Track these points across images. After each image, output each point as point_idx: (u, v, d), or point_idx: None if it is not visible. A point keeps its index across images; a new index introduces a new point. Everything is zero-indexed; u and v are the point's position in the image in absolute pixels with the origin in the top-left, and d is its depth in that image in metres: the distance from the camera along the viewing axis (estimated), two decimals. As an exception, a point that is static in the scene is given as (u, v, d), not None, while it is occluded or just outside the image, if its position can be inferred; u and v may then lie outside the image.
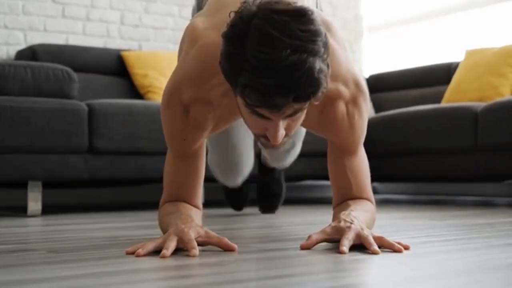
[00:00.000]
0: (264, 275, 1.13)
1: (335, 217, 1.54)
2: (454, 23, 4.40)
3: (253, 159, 2.40)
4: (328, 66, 1.27)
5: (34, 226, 2.25)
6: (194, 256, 1.31)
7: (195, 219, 1.48)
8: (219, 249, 1.41)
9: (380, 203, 3.48)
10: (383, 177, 3.72)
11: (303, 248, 1.42)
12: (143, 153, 2.97)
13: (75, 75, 2.89)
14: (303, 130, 2.37)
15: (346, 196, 1.62)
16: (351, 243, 1.38)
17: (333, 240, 1.43)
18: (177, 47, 3.93)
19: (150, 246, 1.36)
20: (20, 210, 2.89)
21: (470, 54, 3.72)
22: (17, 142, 2.67)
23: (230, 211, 2.87)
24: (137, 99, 3.45)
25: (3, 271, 1.18)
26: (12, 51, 3.65)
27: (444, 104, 3.57)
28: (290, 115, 1.30)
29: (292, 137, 1.44)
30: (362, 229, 1.41)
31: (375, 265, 1.24)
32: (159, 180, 1.83)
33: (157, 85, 3.57)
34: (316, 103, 1.33)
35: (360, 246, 1.39)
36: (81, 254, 1.40)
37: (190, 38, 1.53)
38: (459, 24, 4.37)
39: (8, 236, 1.88)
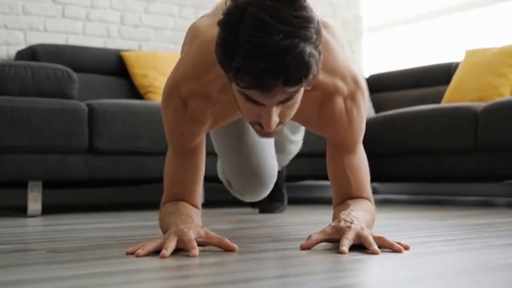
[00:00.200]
0: (264, 275, 1.13)
1: (335, 217, 1.54)
2: (454, 23, 4.40)
3: (276, 167, 2.12)
4: (320, 53, 1.29)
5: (34, 226, 2.25)
6: (194, 256, 1.31)
7: (195, 219, 1.48)
8: (219, 249, 1.41)
9: (380, 203, 3.48)
10: (383, 177, 3.72)
11: (303, 248, 1.42)
12: (143, 153, 2.97)
13: (75, 75, 2.89)
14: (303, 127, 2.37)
15: (346, 195, 1.62)
16: (351, 243, 1.38)
17: (333, 240, 1.43)
18: (177, 47, 3.95)
19: (150, 246, 1.36)
20: (20, 210, 2.89)
21: (470, 54, 3.72)
22: (17, 142, 2.67)
23: (230, 211, 2.87)
24: (137, 99, 3.45)
25: (3, 271, 1.18)
26: (12, 51, 3.65)
27: (444, 104, 3.57)
28: (283, 101, 1.31)
29: (285, 124, 1.44)
30: (362, 229, 1.42)
31: (375, 265, 1.24)
32: (159, 180, 1.83)
33: (157, 85, 3.57)
34: (308, 88, 1.35)
35: (360, 246, 1.39)
36: (81, 254, 1.40)
37: (191, 36, 1.56)
38: (459, 24, 4.37)
39: (8, 236, 1.88)
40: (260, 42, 1.22)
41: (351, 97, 1.55)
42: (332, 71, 1.50)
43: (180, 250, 1.37)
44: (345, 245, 1.36)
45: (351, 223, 1.43)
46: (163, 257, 1.30)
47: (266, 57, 1.22)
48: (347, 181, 1.61)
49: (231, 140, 2.02)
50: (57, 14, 3.81)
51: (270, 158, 2.08)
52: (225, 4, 1.31)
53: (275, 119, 1.33)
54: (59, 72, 2.83)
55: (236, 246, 1.40)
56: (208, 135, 1.77)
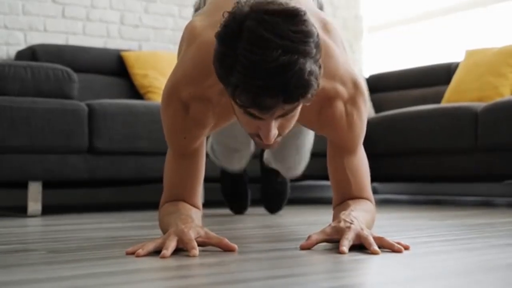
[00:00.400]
0: (264, 275, 1.13)
1: (335, 217, 1.54)
2: (454, 23, 4.40)
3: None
4: (320, 67, 1.28)
5: (34, 226, 2.25)
6: (194, 256, 1.31)
7: (195, 219, 1.48)
8: (219, 249, 1.41)
9: (380, 203, 3.49)
10: (383, 177, 3.72)
11: (303, 248, 1.42)
12: (143, 153, 2.97)
13: (75, 75, 2.89)
14: (310, 134, 2.35)
15: (346, 196, 1.62)
16: (351, 243, 1.38)
17: (333, 240, 1.43)
18: (177, 47, 3.93)
19: (150, 246, 1.36)
20: (20, 210, 2.89)
21: (470, 54, 3.72)
22: (17, 142, 2.67)
23: (230, 211, 2.87)
24: (137, 99, 3.45)
25: (3, 271, 1.18)
26: (12, 51, 3.65)
27: (444, 104, 3.57)
28: (282, 115, 1.31)
29: (290, 137, 1.45)
30: (362, 229, 1.42)
31: (375, 265, 1.24)
32: (159, 180, 1.83)
33: (157, 85, 3.57)
34: (307, 104, 1.33)
35: (360, 246, 1.39)
36: (81, 254, 1.40)
37: (188, 37, 1.54)
38: (459, 24, 4.37)
39: (8, 236, 1.88)
40: (258, 59, 1.20)
41: (352, 101, 1.54)
42: (332, 75, 1.49)
43: (180, 250, 1.37)
44: (345, 245, 1.36)
45: (351, 223, 1.43)
46: (164, 257, 1.30)
47: (264, 74, 1.20)
48: (347, 181, 1.61)
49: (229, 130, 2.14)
50: (57, 14, 3.81)
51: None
52: (223, 16, 1.29)
53: (274, 132, 1.32)
54: (59, 72, 2.83)
55: (236, 246, 1.40)
56: None
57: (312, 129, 1.65)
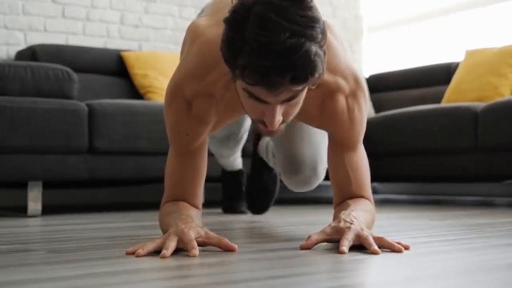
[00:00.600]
0: (264, 275, 1.13)
1: (335, 217, 1.54)
2: (454, 23, 4.40)
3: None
4: (324, 53, 1.30)
5: (34, 226, 2.25)
6: (194, 256, 1.31)
7: (195, 220, 1.48)
8: (219, 249, 1.41)
9: (380, 203, 3.48)
10: (383, 177, 3.72)
11: (303, 248, 1.42)
12: (143, 153, 2.97)
13: (75, 75, 2.89)
14: (326, 140, 2.08)
15: (346, 193, 1.62)
16: (350, 243, 1.38)
17: (333, 240, 1.43)
18: (177, 47, 3.94)
19: (150, 246, 1.36)
20: (20, 210, 2.89)
21: (470, 54, 3.72)
22: (17, 142, 2.67)
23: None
24: (137, 99, 3.45)
25: (3, 271, 1.18)
26: (12, 51, 3.65)
27: (444, 104, 3.57)
28: (287, 100, 1.32)
29: (288, 122, 1.43)
30: (362, 229, 1.42)
31: (375, 265, 1.24)
32: (159, 180, 1.83)
33: (157, 85, 3.57)
34: (313, 87, 1.35)
35: (360, 246, 1.39)
36: (81, 254, 1.40)
37: (191, 36, 1.55)
38: (459, 24, 4.37)
39: (8, 236, 1.88)
40: (266, 41, 1.22)
41: (353, 95, 1.56)
42: (334, 70, 1.51)
43: (180, 250, 1.37)
44: (345, 245, 1.36)
45: (351, 223, 1.43)
46: (164, 257, 1.30)
47: (273, 55, 1.23)
48: (348, 178, 1.61)
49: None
50: (57, 14, 3.81)
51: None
52: (231, 2, 1.31)
53: (279, 117, 1.34)
54: (59, 72, 2.83)
55: (236, 246, 1.40)
56: None
57: (313, 125, 1.65)
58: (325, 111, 1.56)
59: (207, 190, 3.37)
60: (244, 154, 2.73)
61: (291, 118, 1.40)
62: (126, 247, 1.41)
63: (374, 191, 4.14)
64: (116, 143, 2.89)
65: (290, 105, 1.35)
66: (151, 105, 3.08)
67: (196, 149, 1.59)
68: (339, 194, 1.64)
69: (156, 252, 1.35)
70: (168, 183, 1.63)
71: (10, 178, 2.70)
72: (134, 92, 3.64)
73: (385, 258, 1.31)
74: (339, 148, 1.61)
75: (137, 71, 3.65)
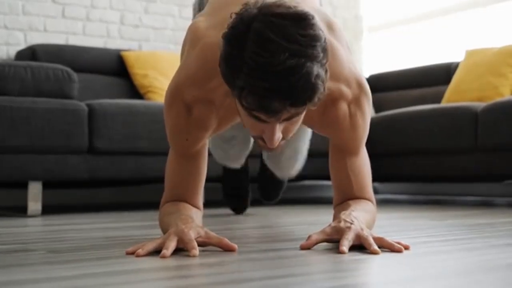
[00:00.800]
0: (264, 275, 1.13)
1: (336, 217, 1.54)
2: (454, 23, 4.40)
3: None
4: (326, 71, 1.27)
5: (34, 226, 2.25)
6: (194, 256, 1.31)
7: (196, 220, 1.48)
8: (219, 249, 1.41)
9: (380, 203, 3.48)
10: (383, 177, 3.72)
11: (303, 248, 1.42)
12: (143, 153, 2.97)
13: (75, 75, 2.89)
14: (307, 138, 2.33)
15: (347, 196, 1.62)
16: (350, 243, 1.38)
17: (333, 240, 1.43)
18: (177, 47, 3.94)
19: (150, 246, 1.36)
20: (20, 210, 2.89)
21: (470, 54, 3.72)
22: (17, 142, 2.67)
23: (230, 211, 2.87)
24: (137, 99, 3.45)
25: (3, 271, 1.18)
26: (12, 51, 3.65)
27: (444, 104, 3.57)
28: (287, 119, 1.30)
29: (289, 140, 1.44)
30: (362, 229, 1.41)
31: (375, 265, 1.24)
32: (159, 180, 1.83)
33: (157, 85, 3.57)
34: (314, 108, 1.33)
35: (360, 246, 1.39)
36: (81, 254, 1.40)
37: (192, 38, 1.54)
38: (459, 24, 4.37)
39: (8, 236, 1.88)
40: (265, 62, 1.20)
41: (355, 102, 1.54)
42: (337, 76, 1.48)
43: (180, 250, 1.37)
44: (345, 245, 1.35)
45: (351, 223, 1.42)
46: (164, 257, 1.30)
47: (271, 77, 1.20)
48: (349, 182, 1.60)
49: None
50: (57, 14, 3.81)
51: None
52: (230, 16, 1.29)
53: (278, 135, 1.32)
54: (59, 72, 2.83)
55: (236, 246, 1.40)
56: None
57: (313, 128, 1.65)
58: (326, 117, 1.55)
59: (207, 190, 3.37)
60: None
61: (291, 135, 1.39)
62: (126, 247, 1.41)
63: (374, 191, 4.14)
64: (116, 143, 2.89)
65: (290, 123, 1.33)
66: (151, 105, 3.08)
67: (197, 152, 1.58)
68: (340, 195, 1.63)
69: (156, 252, 1.35)
70: (168, 184, 1.63)
71: (10, 178, 2.70)
72: (134, 92, 3.64)
73: (385, 258, 1.31)
74: (340, 151, 1.61)
75: (137, 71, 3.65)
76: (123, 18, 4.02)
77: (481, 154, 3.11)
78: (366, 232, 1.41)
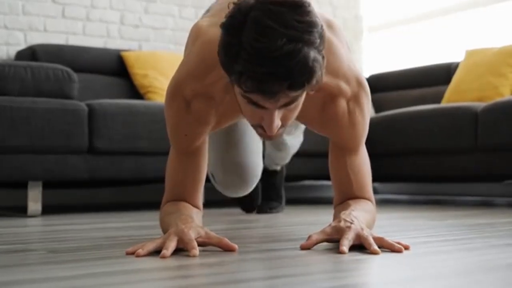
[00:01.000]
0: (264, 275, 1.13)
1: (336, 217, 1.54)
2: (454, 23, 4.40)
3: (261, 166, 2.17)
4: (323, 57, 1.29)
5: (34, 226, 2.25)
6: (194, 256, 1.31)
7: (196, 220, 1.48)
8: (219, 249, 1.41)
9: (380, 203, 3.48)
10: (383, 177, 3.72)
11: (303, 248, 1.42)
12: (143, 153, 2.97)
13: (75, 75, 2.89)
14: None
15: (347, 195, 1.62)
16: (351, 243, 1.38)
17: (333, 240, 1.43)
18: (177, 47, 3.95)
19: (150, 246, 1.36)
20: (20, 210, 2.89)
21: (470, 54, 3.72)
22: (17, 142, 2.67)
23: (230, 211, 2.88)
24: (137, 99, 3.45)
25: (3, 271, 1.18)
26: (12, 51, 3.65)
27: (444, 104, 3.57)
28: (286, 105, 1.31)
29: (287, 128, 1.45)
30: (362, 229, 1.42)
31: (375, 265, 1.24)
32: (159, 180, 1.83)
33: (157, 85, 3.57)
34: (311, 92, 1.35)
35: (360, 246, 1.39)
36: (81, 254, 1.40)
37: (193, 36, 1.55)
38: (459, 24, 4.37)
39: (8, 236, 1.88)
40: (263, 46, 1.22)
41: (354, 99, 1.55)
42: (336, 72, 1.50)
43: (180, 250, 1.37)
44: (345, 245, 1.36)
45: (351, 223, 1.43)
46: (164, 257, 1.30)
47: (269, 61, 1.22)
48: (349, 181, 1.61)
49: (220, 136, 2.06)
50: (57, 14, 3.81)
51: (256, 157, 2.13)
52: (228, 7, 1.31)
53: (277, 122, 1.33)
54: (59, 72, 2.83)
55: (236, 246, 1.40)
56: None
57: (313, 128, 1.65)
58: (325, 114, 1.55)
59: (207, 190, 3.37)
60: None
61: (290, 122, 1.40)
62: (126, 247, 1.41)
63: (374, 191, 4.14)
64: (116, 143, 2.89)
65: (289, 109, 1.34)
66: (151, 105, 3.08)
67: (196, 149, 1.59)
68: (340, 195, 1.64)
69: (156, 252, 1.35)
70: (168, 183, 1.63)
71: (10, 178, 2.70)
72: (134, 92, 3.64)
73: (385, 258, 1.31)
74: (340, 150, 1.61)
75: (137, 71, 3.65)
76: (123, 18, 4.02)
77: (481, 154, 3.11)
78: (366, 232, 1.41)
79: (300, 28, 1.23)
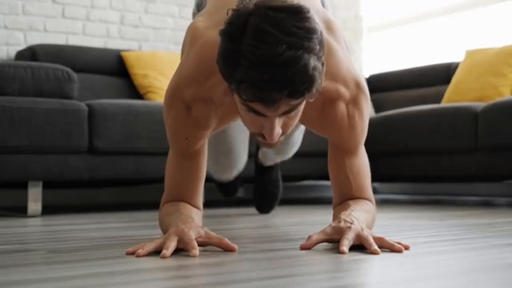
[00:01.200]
0: (264, 275, 1.13)
1: (335, 217, 1.54)
2: (454, 23, 4.40)
3: (247, 152, 2.38)
4: (323, 64, 1.29)
5: (34, 226, 2.25)
6: (194, 256, 1.31)
7: (196, 220, 1.48)
8: (219, 249, 1.41)
9: (380, 203, 3.48)
10: (383, 177, 3.72)
11: (303, 248, 1.42)
12: (143, 153, 2.97)
13: (75, 75, 2.89)
14: (297, 146, 2.38)
15: (346, 196, 1.62)
16: (351, 243, 1.38)
17: (333, 240, 1.43)
18: (177, 47, 3.94)
19: (151, 246, 1.36)
20: (20, 210, 2.89)
21: (470, 54, 3.72)
22: (17, 142, 2.67)
23: (230, 211, 2.87)
24: (137, 99, 3.45)
25: (3, 271, 1.18)
26: (12, 51, 3.65)
27: (444, 104, 3.57)
28: (286, 113, 1.31)
29: (288, 136, 1.45)
30: (362, 229, 1.42)
31: (375, 265, 1.24)
32: (159, 180, 1.83)
33: (157, 85, 3.57)
34: (311, 100, 1.34)
35: (360, 246, 1.39)
36: (81, 254, 1.40)
37: (191, 38, 1.54)
38: (459, 24, 4.37)
39: (8, 236, 1.88)
40: (263, 53, 1.21)
41: (353, 102, 1.54)
42: (335, 76, 1.49)
43: (181, 250, 1.37)
44: (345, 245, 1.36)
45: (351, 223, 1.43)
46: (164, 257, 1.30)
47: (270, 68, 1.21)
48: (348, 182, 1.61)
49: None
50: (57, 14, 3.81)
51: (243, 149, 2.33)
52: (227, 13, 1.30)
53: (278, 130, 1.32)
54: (59, 72, 2.83)
55: (236, 246, 1.40)
56: None
57: (313, 129, 1.65)
58: (325, 117, 1.55)
59: (207, 190, 3.37)
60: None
61: (290, 129, 1.39)
62: (126, 247, 1.41)
63: (374, 191, 4.14)
64: (116, 143, 2.89)
65: (289, 117, 1.34)
66: (151, 105, 3.08)
67: (196, 152, 1.59)
68: (339, 196, 1.64)
69: (156, 252, 1.35)
70: (168, 184, 1.63)
71: (10, 178, 2.70)
72: (134, 92, 3.64)
73: (385, 258, 1.31)
74: (339, 151, 1.61)
75: (137, 71, 3.65)
76: (123, 18, 4.02)
77: (481, 154, 3.11)
78: (366, 232, 1.41)
79: (299, 35, 1.23)
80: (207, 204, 2.96)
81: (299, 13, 1.25)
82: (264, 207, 2.73)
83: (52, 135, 2.74)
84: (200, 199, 1.63)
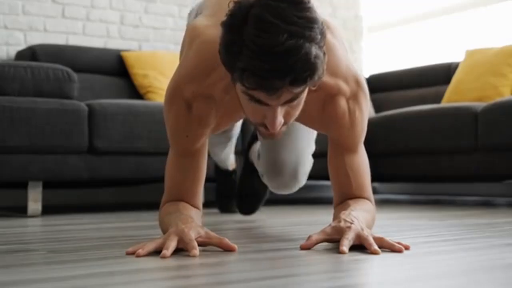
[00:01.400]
0: (264, 275, 1.13)
1: (335, 217, 1.54)
2: (454, 23, 4.40)
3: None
4: (324, 53, 1.30)
5: (34, 226, 2.25)
6: (194, 256, 1.31)
7: (196, 220, 1.48)
8: (219, 249, 1.41)
9: (380, 203, 3.48)
10: (383, 177, 3.72)
11: (303, 248, 1.42)
12: (143, 153, 2.97)
13: (75, 75, 2.89)
14: (310, 138, 2.19)
15: (346, 195, 1.62)
16: (351, 243, 1.38)
17: (333, 240, 1.43)
18: (177, 47, 3.94)
19: (151, 246, 1.36)
20: (20, 210, 2.89)
21: (470, 54, 3.72)
22: (17, 142, 2.67)
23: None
24: (137, 99, 3.46)
25: (3, 271, 1.18)
26: (12, 51, 3.65)
27: (444, 104, 3.57)
28: (288, 101, 1.31)
29: (289, 125, 1.44)
30: (362, 229, 1.42)
31: (375, 265, 1.24)
32: (159, 180, 1.83)
33: (157, 85, 3.57)
34: (314, 88, 1.35)
35: (360, 246, 1.39)
36: (81, 254, 1.40)
37: (190, 37, 1.55)
38: (459, 24, 4.37)
39: (8, 236, 1.88)
40: (265, 42, 1.22)
41: (354, 98, 1.55)
42: (335, 72, 1.50)
43: (181, 250, 1.37)
44: (345, 245, 1.36)
45: (351, 223, 1.43)
46: (164, 257, 1.30)
47: (271, 57, 1.22)
48: (348, 180, 1.61)
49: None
50: (57, 14, 3.81)
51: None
52: (228, 6, 1.31)
53: (280, 119, 1.33)
54: (59, 72, 2.83)
55: (236, 246, 1.40)
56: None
57: (313, 128, 1.65)
58: (325, 113, 1.56)
59: (207, 190, 3.37)
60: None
61: (292, 119, 1.40)
62: (126, 247, 1.41)
63: (374, 191, 4.14)
64: (116, 143, 2.89)
65: (291, 106, 1.35)
66: (151, 105, 3.08)
67: (196, 150, 1.59)
68: (340, 195, 1.63)
69: (156, 252, 1.35)
70: (168, 184, 1.63)
71: (10, 178, 2.70)
72: (134, 92, 3.64)
73: (385, 258, 1.31)
74: (339, 149, 1.61)
75: (137, 71, 3.65)
76: (123, 18, 4.02)
77: (481, 154, 3.11)
78: (366, 232, 1.41)
79: (301, 24, 1.24)
80: (207, 204, 2.96)
81: (300, 3, 1.26)
82: (246, 207, 2.49)
83: (52, 135, 2.74)
84: (200, 199, 1.63)
